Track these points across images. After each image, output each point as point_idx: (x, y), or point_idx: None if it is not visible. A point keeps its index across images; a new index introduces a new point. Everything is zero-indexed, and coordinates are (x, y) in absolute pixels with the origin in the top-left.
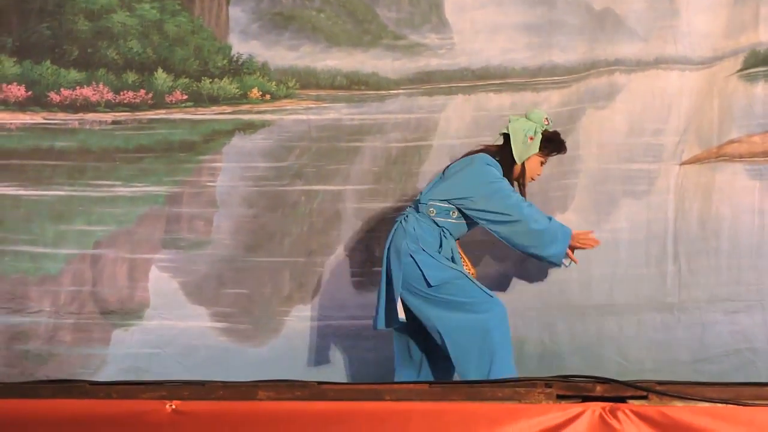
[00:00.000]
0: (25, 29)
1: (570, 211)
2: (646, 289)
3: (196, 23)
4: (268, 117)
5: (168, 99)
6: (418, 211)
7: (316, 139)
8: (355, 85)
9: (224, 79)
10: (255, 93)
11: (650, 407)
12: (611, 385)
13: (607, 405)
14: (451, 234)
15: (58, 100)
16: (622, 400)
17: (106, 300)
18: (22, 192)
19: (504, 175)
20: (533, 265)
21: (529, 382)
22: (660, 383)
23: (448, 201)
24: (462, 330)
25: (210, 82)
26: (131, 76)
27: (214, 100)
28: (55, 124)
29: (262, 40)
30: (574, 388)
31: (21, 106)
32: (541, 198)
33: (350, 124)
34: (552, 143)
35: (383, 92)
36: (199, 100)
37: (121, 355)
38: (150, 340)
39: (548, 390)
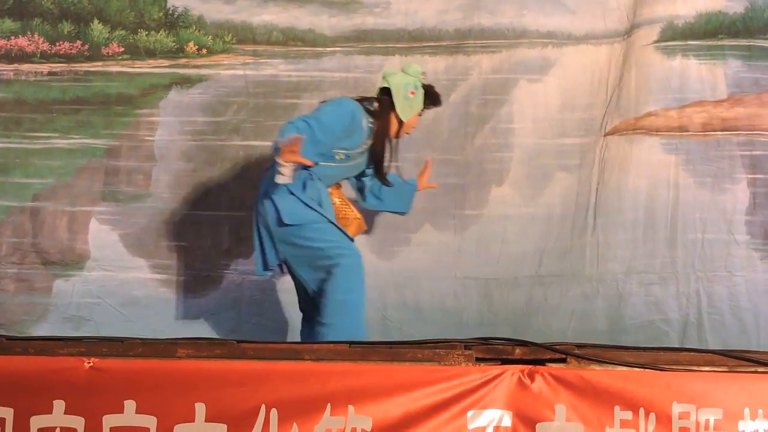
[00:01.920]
0: None
1: (506, 184)
2: (570, 260)
3: None
4: (204, 72)
5: (104, 51)
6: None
7: (254, 95)
8: (291, 41)
9: (160, 32)
10: (191, 47)
11: (568, 370)
12: (530, 348)
13: (526, 368)
14: (319, 178)
15: None
16: (541, 363)
17: (47, 251)
18: None
19: (380, 129)
20: (473, 235)
21: (448, 344)
22: (579, 346)
23: None
24: (312, 273)
25: (146, 35)
26: (67, 27)
27: (150, 54)
28: None
29: None
30: (494, 351)
31: None
32: (477, 169)
33: (287, 80)
34: (429, 97)
35: (320, 49)
36: (135, 52)
37: (63, 305)
38: (91, 291)
39: (468, 352)
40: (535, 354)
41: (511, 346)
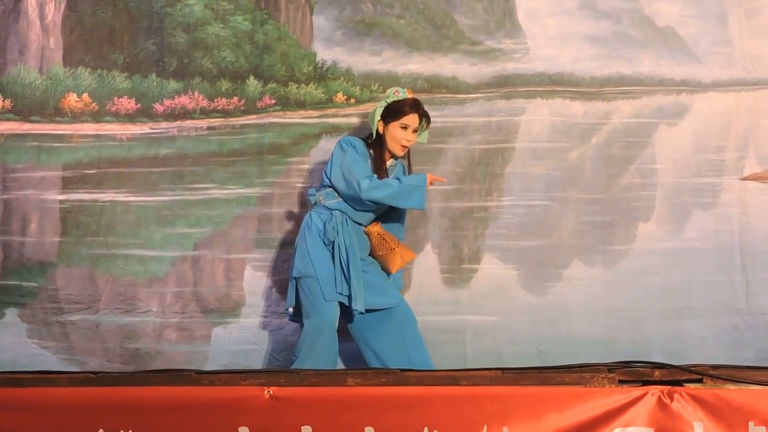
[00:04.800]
0: (135, 46)
1: (651, 221)
2: (717, 294)
3: (282, 30)
4: (353, 120)
5: (259, 105)
6: (314, 204)
7: None
8: (436, 89)
9: (310, 85)
10: (340, 97)
11: (704, 390)
12: (668, 370)
13: (665, 388)
14: (346, 214)
15: (161, 110)
16: (679, 383)
17: (206, 299)
18: (132, 198)
19: (377, 152)
20: (622, 268)
21: (593, 368)
22: (714, 368)
23: (326, 185)
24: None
25: (297, 87)
26: (225, 84)
27: (301, 105)
28: (158, 132)
29: (346, 47)
30: (635, 374)
31: (131, 117)
32: (624, 207)
33: (433, 126)
34: (394, 107)
35: (463, 96)
36: (287, 104)
37: (220, 352)
38: (247, 337)
39: (611, 375)
40: (674, 375)
41: (651, 368)
